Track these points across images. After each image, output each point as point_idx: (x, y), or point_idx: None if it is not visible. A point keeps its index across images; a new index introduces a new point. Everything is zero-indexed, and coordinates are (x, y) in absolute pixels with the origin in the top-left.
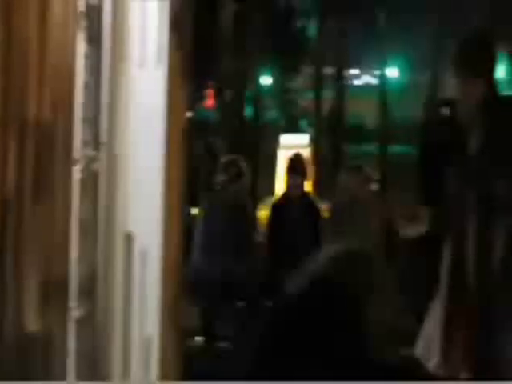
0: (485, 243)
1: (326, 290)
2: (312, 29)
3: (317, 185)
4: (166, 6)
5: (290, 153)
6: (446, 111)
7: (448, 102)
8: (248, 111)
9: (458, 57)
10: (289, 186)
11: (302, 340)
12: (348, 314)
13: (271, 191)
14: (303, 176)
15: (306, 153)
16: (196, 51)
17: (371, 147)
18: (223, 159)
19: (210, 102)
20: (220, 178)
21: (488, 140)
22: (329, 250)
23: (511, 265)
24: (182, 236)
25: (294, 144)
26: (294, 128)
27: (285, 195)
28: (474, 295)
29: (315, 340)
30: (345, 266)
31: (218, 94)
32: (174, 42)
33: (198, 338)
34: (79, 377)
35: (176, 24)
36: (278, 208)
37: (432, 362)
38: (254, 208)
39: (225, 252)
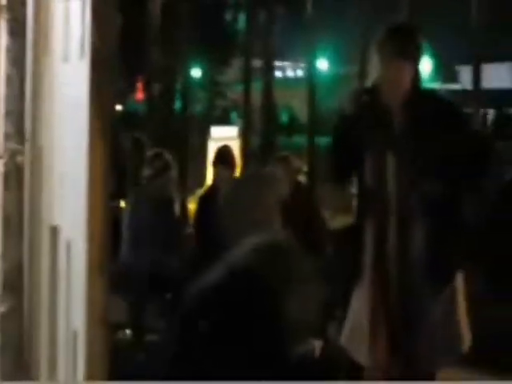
0: (406, 234)
1: (246, 281)
2: (241, 21)
3: None
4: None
5: (220, 145)
6: (366, 99)
7: (369, 90)
8: (178, 104)
9: (386, 41)
10: (215, 178)
11: (219, 332)
12: (267, 306)
13: (202, 183)
14: (230, 168)
15: (236, 145)
16: (124, 44)
17: (301, 139)
18: (149, 153)
19: (139, 95)
20: (146, 171)
21: (409, 128)
22: (251, 240)
23: (433, 254)
24: (108, 229)
25: (223, 136)
26: (224, 120)
27: (212, 187)
28: (396, 286)
29: (234, 332)
30: (266, 257)
31: (147, 87)
32: (97, 36)
33: (127, 332)
34: (4, 373)
35: (98, 17)
36: (205, 200)
37: (358, 352)
38: (184, 200)
39: (152, 245)
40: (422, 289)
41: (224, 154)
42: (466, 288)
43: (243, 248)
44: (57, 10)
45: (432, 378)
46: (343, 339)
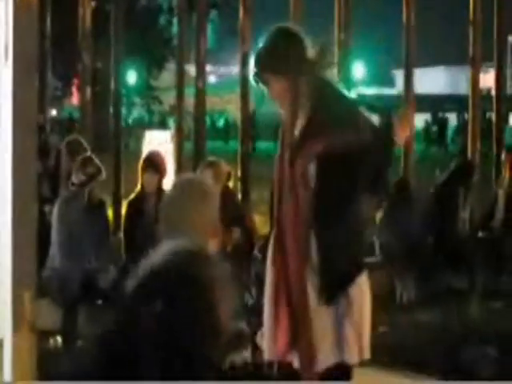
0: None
1: (162, 284)
2: (175, 25)
3: None
4: (11, 4)
5: (149, 151)
6: None
7: None
8: (113, 109)
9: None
10: (143, 184)
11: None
12: (183, 308)
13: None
14: (158, 173)
15: (169, 149)
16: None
17: (235, 144)
18: (78, 158)
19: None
20: (75, 177)
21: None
22: (168, 245)
23: (325, 263)
24: (35, 235)
25: (157, 141)
26: (158, 125)
27: (140, 192)
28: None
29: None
30: (183, 261)
31: (82, 92)
32: (21, 40)
33: (58, 338)
34: None
35: (20, 22)
36: (132, 205)
37: (265, 348)
38: (118, 205)
39: (83, 251)
40: (316, 292)
41: (152, 160)
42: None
43: (160, 252)
44: None
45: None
46: (258, 337)
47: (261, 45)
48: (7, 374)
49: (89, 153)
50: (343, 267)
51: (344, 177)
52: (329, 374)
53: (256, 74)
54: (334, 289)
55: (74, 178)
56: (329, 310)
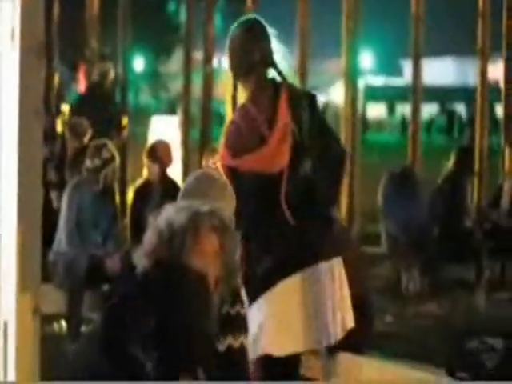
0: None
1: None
2: (183, 12)
3: (186, 167)
4: None
5: (160, 136)
6: None
7: None
8: (120, 94)
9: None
10: (148, 172)
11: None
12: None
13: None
14: (162, 164)
15: (176, 136)
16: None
17: None
18: (92, 143)
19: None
20: (89, 162)
21: None
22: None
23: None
24: (40, 220)
25: (164, 127)
26: (165, 111)
27: (146, 180)
28: None
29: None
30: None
31: (89, 78)
32: (27, 25)
33: (63, 323)
34: None
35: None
36: (138, 192)
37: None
38: (124, 192)
39: (91, 236)
40: None
41: (156, 150)
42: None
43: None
44: None
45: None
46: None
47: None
48: (11, 358)
49: (105, 140)
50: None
51: None
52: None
53: None
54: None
55: (89, 163)
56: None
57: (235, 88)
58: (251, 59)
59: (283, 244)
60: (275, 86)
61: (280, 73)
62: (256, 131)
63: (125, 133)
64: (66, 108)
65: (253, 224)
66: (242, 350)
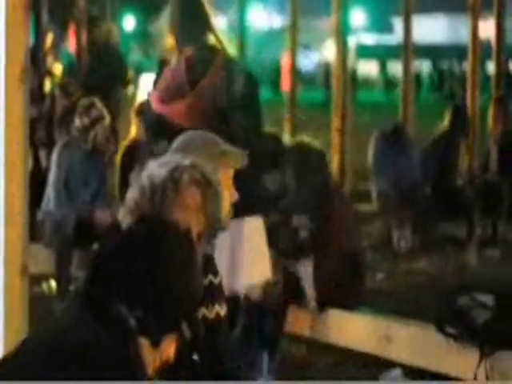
0: None
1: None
2: None
3: None
4: None
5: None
6: None
7: None
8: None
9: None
10: (136, 130)
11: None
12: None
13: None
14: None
15: None
16: None
17: None
18: (82, 102)
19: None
20: (78, 121)
21: None
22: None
23: None
24: (27, 180)
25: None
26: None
27: (134, 139)
28: None
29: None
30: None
31: (78, 37)
32: None
33: (51, 282)
34: None
35: None
36: (127, 150)
37: None
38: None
39: (80, 195)
40: None
41: (144, 107)
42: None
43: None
44: None
45: None
46: None
47: None
48: (0, 318)
49: (94, 98)
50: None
51: None
52: None
53: None
54: None
55: (78, 122)
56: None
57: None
58: (192, 25)
59: None
60: (213, 53)
61: (220, 41)
62: (180, 87)
63: (130, 86)
64: (56, 67)
65: None
66: (218, 321)
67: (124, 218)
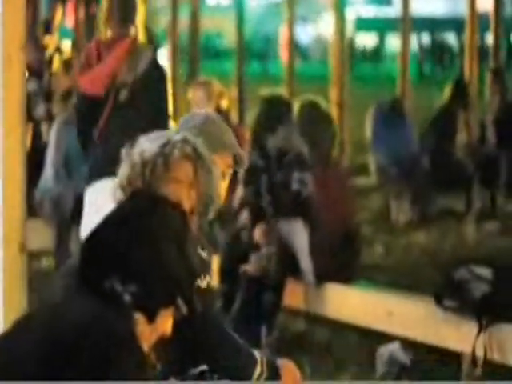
0: None
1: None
2: None
3: (174, 99)
4: None
5: None
6: None
7: None
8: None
9: None
10: None
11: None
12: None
13: None
14: None
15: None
16: None
17: (230, 65)
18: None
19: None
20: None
21: None
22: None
23: None
24: (25, 156)
25: None
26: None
27: None
28: None
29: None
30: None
31: (76, 13)
32: None
33: (50, 259)
34: None
35: None
36: None
37: None
38: None
39: (78, 171)
40: None
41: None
42: None
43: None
44: None
45: None
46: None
47: None
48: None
49: None
50: None
51: None
52: None
53: None
54: None
55: (75, 99)
56: None
57: None
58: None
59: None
60: (124, 38)
61: (140, 32)
62: (88, 61)
63: None
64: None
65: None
66: (209, 291)
67: (115, 194)
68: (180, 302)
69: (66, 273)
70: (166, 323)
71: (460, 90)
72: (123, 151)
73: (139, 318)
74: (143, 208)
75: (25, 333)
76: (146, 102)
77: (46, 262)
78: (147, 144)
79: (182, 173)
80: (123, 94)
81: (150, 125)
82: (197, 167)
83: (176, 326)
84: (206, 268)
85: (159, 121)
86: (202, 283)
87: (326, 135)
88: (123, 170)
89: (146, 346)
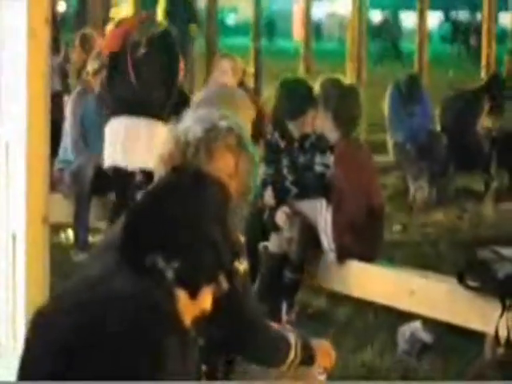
0: None
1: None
2: None
3: (191, 75)
4: None
5: None
6: None
7: None
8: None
9: None
10: None
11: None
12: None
13: None
14: None
15: None
16: None
17: (247, 41)
18: (96, 50)
19: None
20: (90, 66)
21: None
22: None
23: None
24: (49, 128)
25: None
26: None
27: None
28: None
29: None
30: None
31: None
32: None
33: (69, 232)
34: None
35: None
36: None
37: None
38: None
39: (96, 142)
40: None
41: None
42: None
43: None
44: None
45: None
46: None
47: None
48: (20, 271)
49: None
50: None
51: None
52: None
53: None
54: None
55: (89, 67)
56: None
57: None
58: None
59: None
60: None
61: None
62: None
63: None
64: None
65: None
66: (246, 273)
67: (157, 167)
68: (222, 278)
69: (105, 248)
70: (206, 300)
71: (495, 79)
72: (169, 126)
73: (181, 294)
74: (187, 184)
75: (62, 309)
76: (158, 62)
77: (64, 236)
78: (192, 124)
79: (223, 163)
80: (139, 52)
81: (162, 84)
82: (239, 159)
83: (215, 304)
84: (241, 251)
85: (170, 82)
86: (240, 266)
87: (352, 112)
88: (167, 144)
89: (187, 322)
